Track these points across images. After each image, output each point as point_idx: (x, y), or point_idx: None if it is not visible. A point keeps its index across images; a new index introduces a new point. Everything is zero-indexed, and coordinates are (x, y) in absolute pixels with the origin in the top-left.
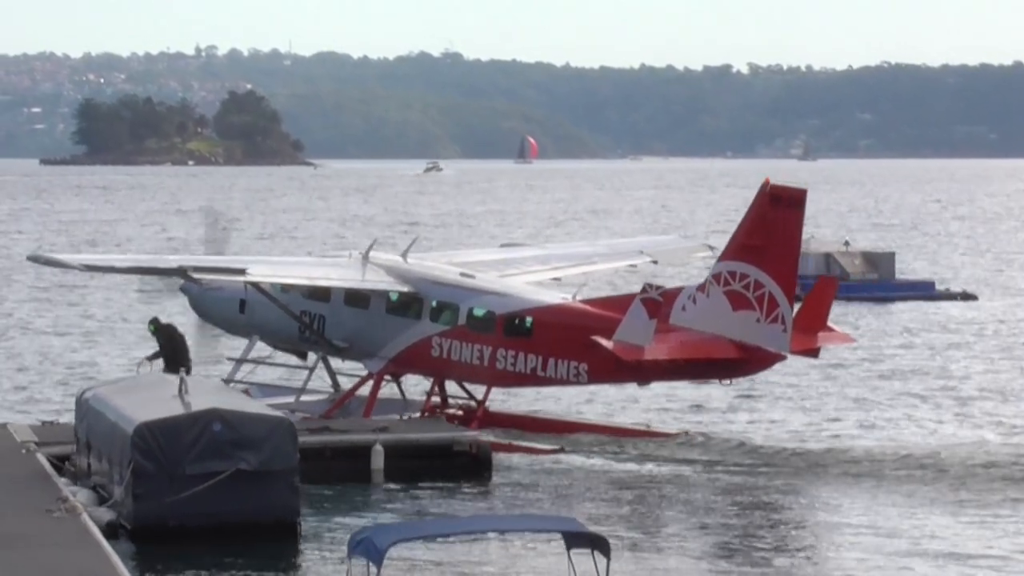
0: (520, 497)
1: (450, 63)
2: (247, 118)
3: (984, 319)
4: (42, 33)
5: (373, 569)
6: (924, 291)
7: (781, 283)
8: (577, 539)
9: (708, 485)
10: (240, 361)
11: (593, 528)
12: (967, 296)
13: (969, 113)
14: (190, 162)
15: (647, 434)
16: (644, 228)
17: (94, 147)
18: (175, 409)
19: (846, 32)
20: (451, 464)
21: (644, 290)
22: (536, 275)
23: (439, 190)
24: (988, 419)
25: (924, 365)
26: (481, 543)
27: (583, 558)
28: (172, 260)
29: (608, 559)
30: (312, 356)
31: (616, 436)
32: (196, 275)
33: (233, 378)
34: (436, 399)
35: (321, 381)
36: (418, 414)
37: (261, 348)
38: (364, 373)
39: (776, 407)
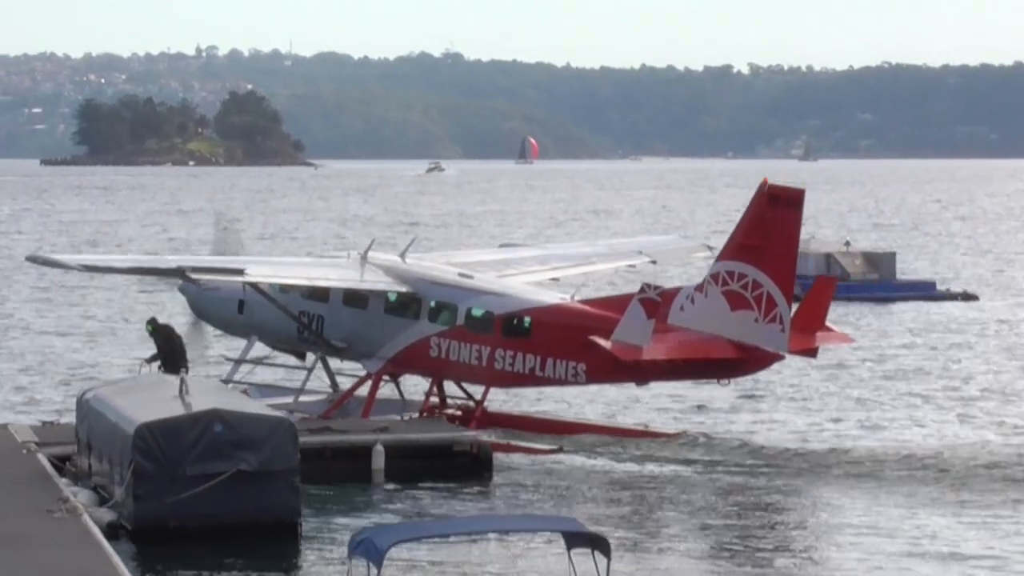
0: (520, 497)
1: (451, 63)
2: (248, 118)
3: (985, 319)
4: (43, 33)
5: (373, 570)
6: (925, 291)
7: (779, 283)
8: (577, 539)
9: (709, 485)
10: (239, 361)
11: (593, 528)
12: (968, 296)
13: (970, 113)
14: (191, 162)
15: (646, 434)
16: (644, 228)
17: (95, 147)
18: (176, 410)
19: (846, 32)
20: (452, 464)
21: (642, 290)
22: (535, 275)
23: (440, 190)
24: (989, 419)
25: (925, 365)
26: (481, 543)
27: (583, 558)
28: (171, 260)
29: (608, 559)
30: (311, 356)
31: (615, 436)
32: (194, 275)
33: (232, 378)
34: (435, 399)
35: (320, 381)
36: (416, 414)
37: (259, 348)
38: (363, 373)
39: (777, 407)
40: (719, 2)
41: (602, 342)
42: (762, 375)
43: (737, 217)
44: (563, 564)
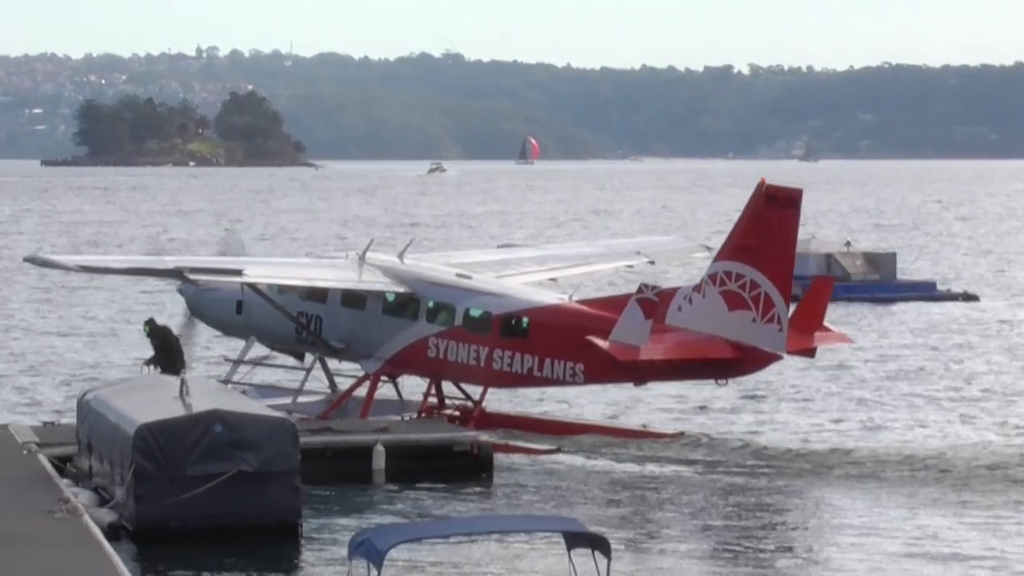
0: (521, 497)
1: (451, 64)
2: (248, 119)
3: (986, 320)
4: (43, 34)
5: (374, 571)
6: (926, 292)
7: (777, 283)
8: (578, 539)
9: (710, 486)
10: (237, 362)
11: (594, 528)
12: (969, 297)
13: (970, 114)
14: (191, 163)
15: (646, 435)
16: (645, 229)
17: (95, 148)
18: (176, 410)
19: (847, 33)
20: (452, 465)
21: (640, 290)
22: (533, 276)
23: (441, 191)
24: (991, 420)
25: (926, 366)
26: (482, 544)
27: (584, 558)
28: (168, 261)
29: (609, 559)
30: (309, 357)
31: (614, 436)
32: (192, 276)
33: (230, 379)
34: (433, 400)
35: (318, 382)
36: (415, 415)
37: (258, 349)
38: (361, 374)
39: (779, 408)
40: (719, 2)
41: (600, 342)
42: (764, 376)
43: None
44: (563, 564)
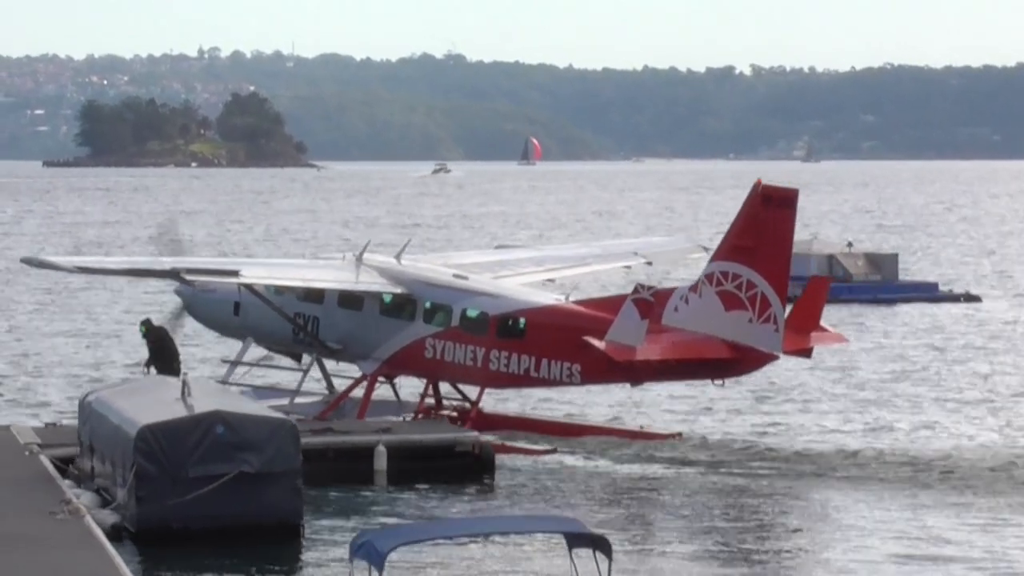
0: (522, 498)
1: (453, 65)
2: (250, 120)
3: (988, 320)
4: (45, 35)
5: (375, 573)
6: (927, 292)
7: (773, 283)
8: (579, 540)
9: (712, 486)
10: (235, 363)
11: (595, 529)
12: (971, 297)
13: (972, 115)
14: (193, 164)
15: (643, 435)
16: (647, 230)
17: (97, 149)
18: (178, 412)
19: (848, 33)
20: (454, 465)
21: (636, 291)
22: (530, 276)
23: (442, 191)
24: (995, 421)
25: (928, 367)
26: (483, 544)
27: (585, 559)
28: (165, 262)
29: (610, 560)
30: (306, 358)
31: (612, 437)
32: (189, 277)
33: (228, 380)
34: (430, 400)
35: (316, 383)
36: (412, 415)
37: (256, 350)
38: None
39: (781, 409)
40: (721, 3)
41: (596, 342)
42: (766, 376)
43: None
44: (565, 565)
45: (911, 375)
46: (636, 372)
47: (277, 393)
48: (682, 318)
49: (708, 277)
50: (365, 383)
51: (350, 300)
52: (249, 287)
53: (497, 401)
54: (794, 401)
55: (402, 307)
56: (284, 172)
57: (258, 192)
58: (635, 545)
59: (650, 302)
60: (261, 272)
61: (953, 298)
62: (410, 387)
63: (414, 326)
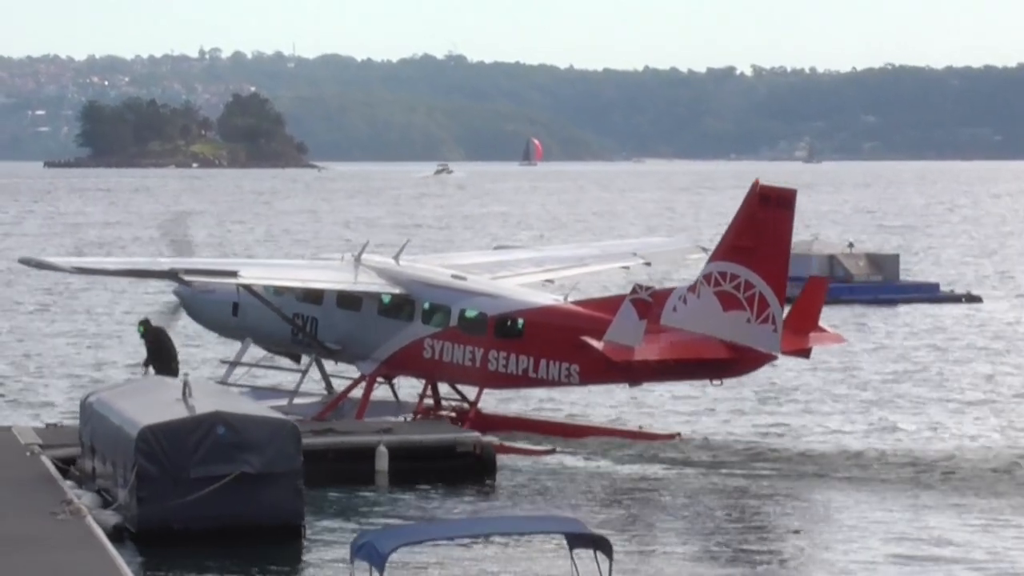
0: (523, 498)
1: (454, 65)
2: (251, 120)
3: (989, 321)
4: (46, 35)
5: (376, 573)
6: (929, 293)
7: (771, 283)
8: (580, 540)
9: (713, 487)
10: (233, 364)
11: (596, 529)
12: (972, 298)
13: (973, 115)
14: (194, 165)
15: (642, 436)
16: (649, 230)
17: (98, 150)
18: (179, 412)
19: (849, 34)
20: (455, 466)
21: (634, 291)
22: (529, 277)
23: (443, 192)
24: (996, 422)
25: (930, 367)
26: (484, 545)
27: (586, 560)
28: (163, 263)
29: (611, 560)
30: (305, 359)
31: (610, 437)
32: (188, 278)
33: (226, 381)
34: (429, 401)
35: (315, 383)
36: (411, 416)
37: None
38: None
39: (783, 410)
40: (722, 3)
41: (594, 343)
42: (768, 377)
43: None
44: (566, 565)
45: (913, 376)
46: (634, 372)
47: (276, 394)
48: (680, 318)
49: (706, 277)
50: (364, 383)
51: (349, 301)
52: (248, 288)
53: (499, 402)
54: (796, 402)
55: (401, 307)
56: (285, 173)
57: (259, 193)
58: (636, 546)
59: (648, 302)
60: (259, 273)
61: (954, 298)
62: (409, 387)
63: (413, 326)
